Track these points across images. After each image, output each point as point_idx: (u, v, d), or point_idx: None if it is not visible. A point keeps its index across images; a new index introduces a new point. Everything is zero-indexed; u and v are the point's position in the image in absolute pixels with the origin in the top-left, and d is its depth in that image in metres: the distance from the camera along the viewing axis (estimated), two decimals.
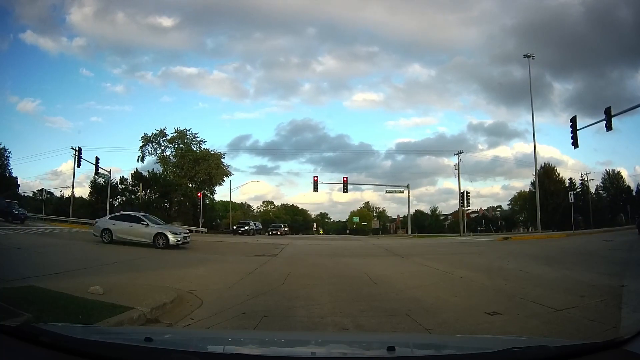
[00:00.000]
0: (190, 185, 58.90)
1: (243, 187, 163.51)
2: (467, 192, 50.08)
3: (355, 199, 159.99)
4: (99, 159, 43.27)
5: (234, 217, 66.90)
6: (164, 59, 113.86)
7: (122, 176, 58.22)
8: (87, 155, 49.96)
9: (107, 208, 46.44)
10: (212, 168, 59.19)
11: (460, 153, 52.15)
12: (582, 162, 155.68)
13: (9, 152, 56.84)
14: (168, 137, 60.44)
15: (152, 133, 60.21)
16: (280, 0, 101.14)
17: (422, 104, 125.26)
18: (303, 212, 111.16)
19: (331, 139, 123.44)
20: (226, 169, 62.62)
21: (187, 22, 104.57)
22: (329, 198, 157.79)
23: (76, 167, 45.48)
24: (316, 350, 2.62)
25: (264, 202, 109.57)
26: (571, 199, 39.71)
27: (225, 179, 62.82)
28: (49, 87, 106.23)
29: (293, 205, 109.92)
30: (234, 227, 51.03)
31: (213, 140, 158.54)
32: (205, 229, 50.99)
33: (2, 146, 55.69)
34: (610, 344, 2.04)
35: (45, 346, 2.00)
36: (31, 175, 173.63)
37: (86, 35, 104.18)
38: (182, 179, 57.54)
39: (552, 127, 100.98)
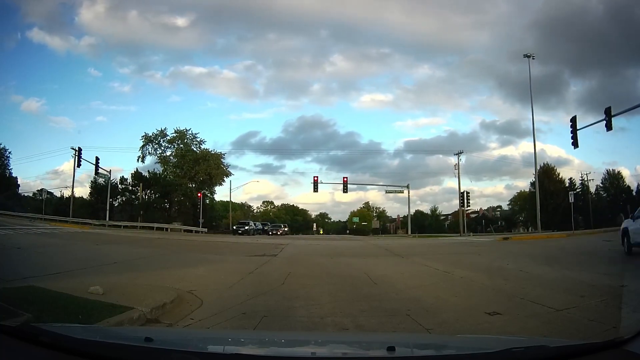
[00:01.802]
0: (191, 186, 59.10)
1: (245, 186, 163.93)
2: (467, 193, 50.22)
3: (358, 199, 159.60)
4: (99, 159, 43.44)
5: (234, 217, 66.94)
6: (173, 59, 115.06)
7: (122, 176, 58.32)
8: (89, 155, 50.05)
9: (107, 208, 46.57)
10: (212, 168, 59.39)
11: (460, 153, 52.31)
12: (588, 162, 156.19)
13: (9, 152, 56.91)
14: (168, 138, 60.71)
15: (153, 133, 60.62)
16: (296, 1, 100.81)
17: (433, 104, 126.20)
18: (303, 212, 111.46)
19: (341, 136, 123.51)
20: (226, 169, 62.97)
21: (198, 22, 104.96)
22: (331, 198, 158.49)
23: (76, 167, 45.65)
24: (316, 350, 2.63)
25: (264, 202, 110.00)
26: (571, 199, 39.73)
27: (225, 179, 63.10)
28: (54, 86, 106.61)
29: (293, 205, 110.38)
30: (234, 227, 50.52)
31: (220, 140, 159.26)
32: (205, 229, 50.97)
33: (2, 146, 55.78)
34: (610, 344, 2.05)
35: (45, 346, 2.00)
36: (32, 175, 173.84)
37: (95, 34, 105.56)
38: (182, 179, 57.68)
39: (565, 126, 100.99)
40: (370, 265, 12.74)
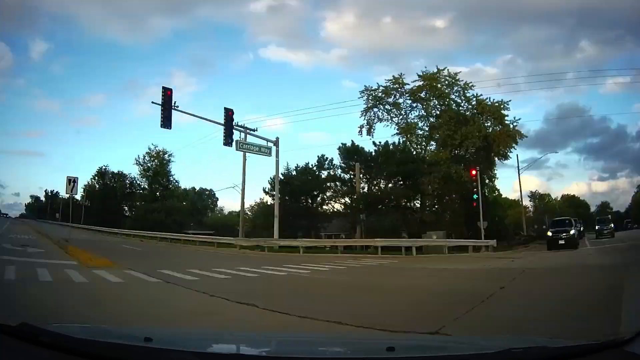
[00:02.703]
0: (458, 166, 40.06)
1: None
2: None
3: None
4: None
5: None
6: (434, 61, 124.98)
7: (323, 154, 46.97)
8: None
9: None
10: (489, 128, 41.56)
11: None
12: None
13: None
14: (410, 87, 43.30)
15: (380, 85, 44.61)
16: None
17: None
18: (584, 204, 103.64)
19: (595, 122, 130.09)
20: (513, 128, 41.99)
21: (458, 21, 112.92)
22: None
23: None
24: (316, 350, 2.81)
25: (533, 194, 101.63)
26: None
27: (515, 147, 43.39)
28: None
29: (574, 195, 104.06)
30: (549, 234, 32.28)
31: None
32: (494, 241, 34.11)
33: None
34: (610, 344, 2.18)
35: (45, 346, 2.33)
36: None
37: (346, 47, 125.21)
38: (440, 153, 41.29)
39: None
40: None
